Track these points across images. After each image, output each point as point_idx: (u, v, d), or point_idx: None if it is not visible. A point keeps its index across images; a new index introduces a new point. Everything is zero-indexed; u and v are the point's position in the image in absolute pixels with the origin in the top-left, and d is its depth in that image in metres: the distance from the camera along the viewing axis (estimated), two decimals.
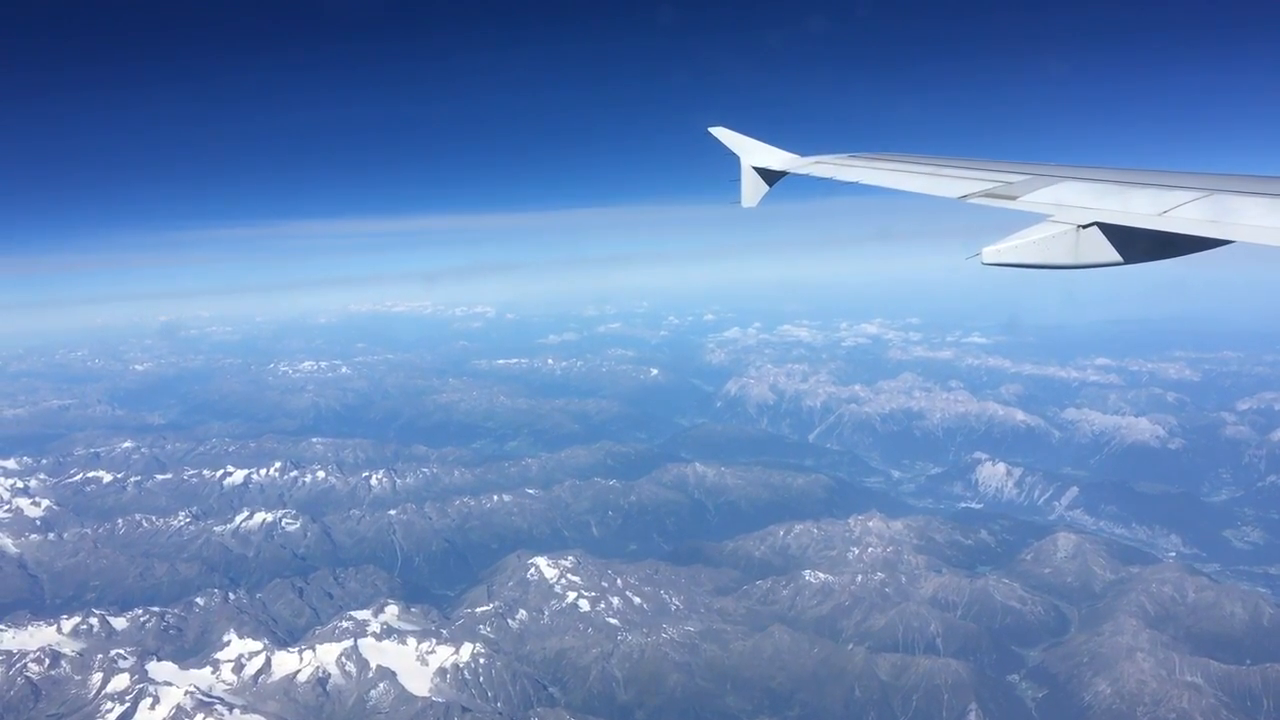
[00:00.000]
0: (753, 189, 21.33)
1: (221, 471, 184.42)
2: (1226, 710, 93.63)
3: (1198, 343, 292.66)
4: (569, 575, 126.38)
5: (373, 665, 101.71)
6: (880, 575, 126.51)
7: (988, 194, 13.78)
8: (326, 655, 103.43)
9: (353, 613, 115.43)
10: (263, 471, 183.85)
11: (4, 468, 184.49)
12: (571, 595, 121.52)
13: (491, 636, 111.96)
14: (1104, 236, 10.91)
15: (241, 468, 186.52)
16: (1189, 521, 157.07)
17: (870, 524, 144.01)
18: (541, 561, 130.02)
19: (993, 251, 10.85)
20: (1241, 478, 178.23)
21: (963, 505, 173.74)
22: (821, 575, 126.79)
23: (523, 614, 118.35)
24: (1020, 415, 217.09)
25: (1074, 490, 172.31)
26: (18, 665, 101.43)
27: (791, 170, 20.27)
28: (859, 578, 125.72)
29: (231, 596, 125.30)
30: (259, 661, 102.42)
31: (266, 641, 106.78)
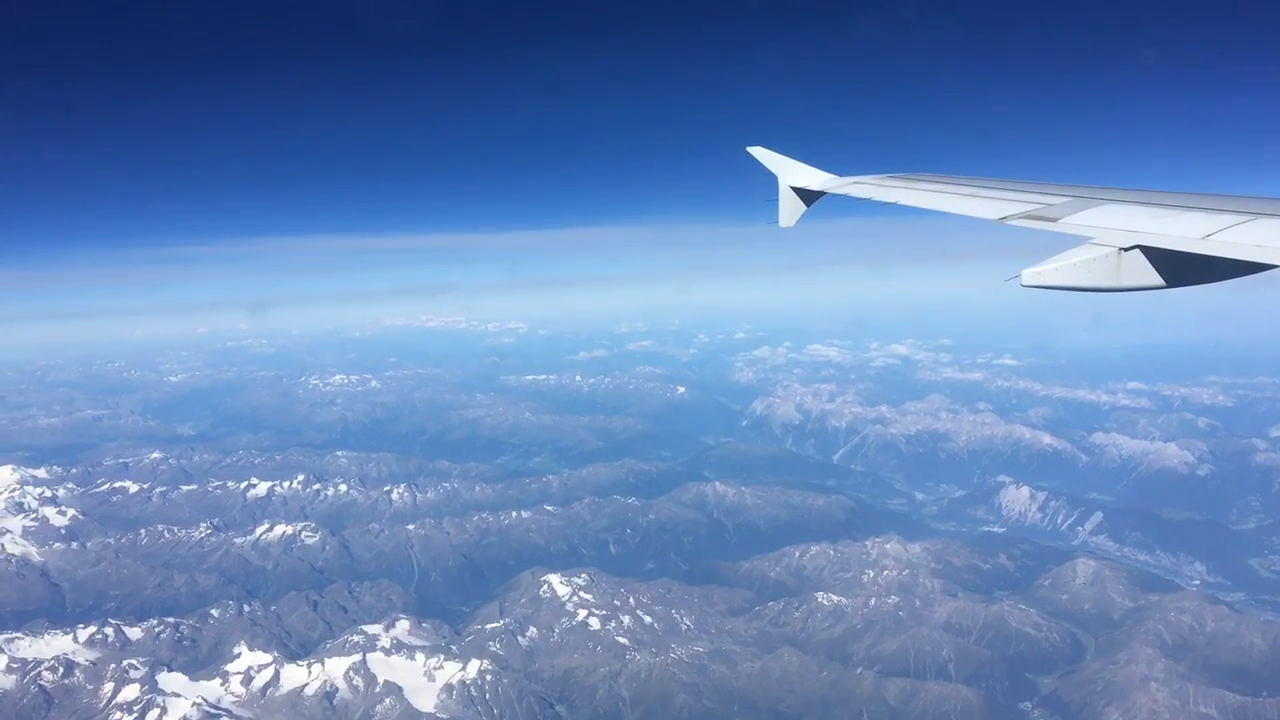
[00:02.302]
0: (790, 209, 21.49)
1: (246, 483, 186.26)
2: None
3: (1233, 368, 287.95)
4: (581, 593, 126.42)
5: (380, 680, 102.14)
6: (894, 599, 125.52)
7: (1028, 216, 13.79)
8: (335, 669, 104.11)
9: (364, 627, 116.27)
10: (286, 484, 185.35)
11: (34, 477, 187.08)
12: (582, 613, 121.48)
13: (500, 653, 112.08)
14: (1146, 259, 10.86)
15: (265, 480, 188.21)
16: (1215, 549, 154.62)
17: (887, 546, 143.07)
18: (554, 579, 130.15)
19: (1033, 274, 10.85)
20: (1271, 506, 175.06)
21: (985, 529, 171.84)
22: (834, 598, 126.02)
23: (533, 631, 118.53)
24: (1047, 439, 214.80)
25: (1098, 516, 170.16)
26: (32, 673, 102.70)
27: (829, 190, 20.42)
28: (872, 601, 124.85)
29: (246, 608, 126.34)
30: (268, 674, 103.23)
31: (277, 654, 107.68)
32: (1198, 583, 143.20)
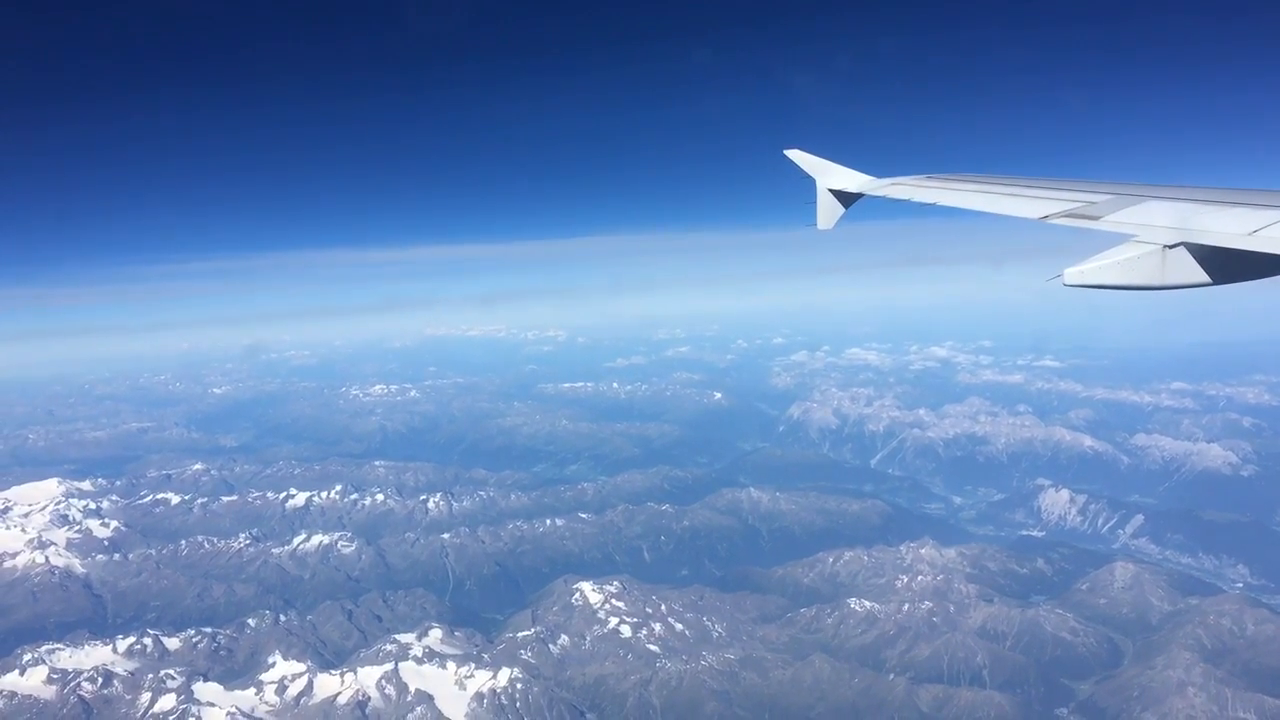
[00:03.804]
0: (829, 211, 21.55)
1: (285, 494, 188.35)
2: None
3: (1279, 366, 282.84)
4: (613, 600, 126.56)
5: (412, 689, 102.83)
6: (928, 604, 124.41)
7: (1069, 214, 13.75)
8: (367, 678, 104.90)
9: (397, 636, 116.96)
10: (324, 494, 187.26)
11: (79, 489, 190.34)
12: (614, 621, 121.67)
13: (532, 661, 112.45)
14: (1191, 257, 10.81)
15: (304, 490, 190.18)
16: (1258, 551, 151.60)
17: (922, 551, 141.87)
18: (586, 587, 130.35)
19: (1075, 273, 10.84)
20: None
21: (1023, 533, 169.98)
22: (867, 604, 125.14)
23: (564, 639, 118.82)
24: (1088, 441, 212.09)
25: (1139, 518, 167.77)
26: (72, 684, 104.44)
27: (868, 192, 20.43)
28: (905, 606, 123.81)
29: (282, 618, 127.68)
30: (301, 683, 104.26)
31: (310, 663, 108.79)
32: (1240, 585, 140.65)
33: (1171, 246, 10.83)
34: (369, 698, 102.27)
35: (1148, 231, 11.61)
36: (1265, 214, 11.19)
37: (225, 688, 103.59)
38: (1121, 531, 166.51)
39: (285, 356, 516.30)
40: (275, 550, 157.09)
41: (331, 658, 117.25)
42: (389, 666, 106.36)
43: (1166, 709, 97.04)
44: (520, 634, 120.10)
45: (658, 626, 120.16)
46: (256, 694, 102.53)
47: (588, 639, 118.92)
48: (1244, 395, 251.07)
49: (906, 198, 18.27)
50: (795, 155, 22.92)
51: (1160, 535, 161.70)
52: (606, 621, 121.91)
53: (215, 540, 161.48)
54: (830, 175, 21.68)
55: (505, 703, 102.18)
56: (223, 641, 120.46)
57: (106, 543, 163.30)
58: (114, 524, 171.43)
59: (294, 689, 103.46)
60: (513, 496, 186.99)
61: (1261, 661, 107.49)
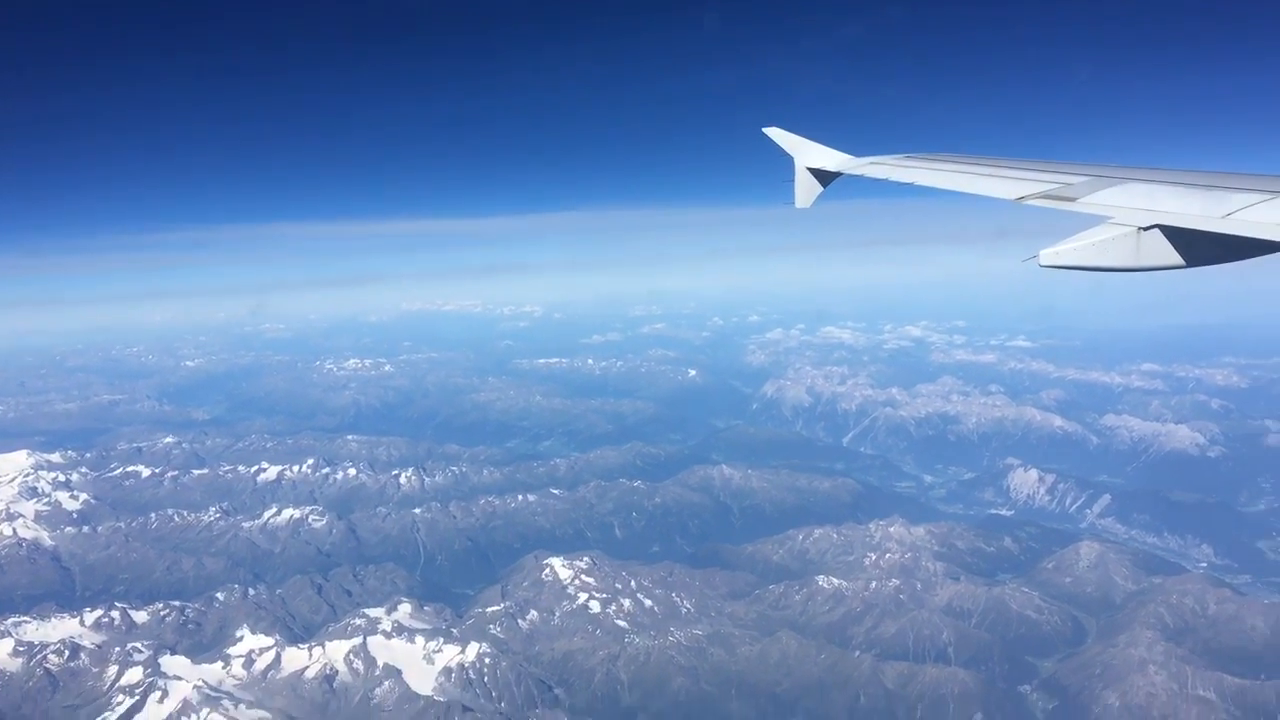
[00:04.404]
0: (807, 189, 21.50)
1: (256, 468, 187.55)
2: None
3: (1250, 349, 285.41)
4: (583, 576, 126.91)
5: (380, 663, 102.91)
6: (895, 582, 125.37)
7: (1046, 195, 13.71)
8: (336, 652, 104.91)
9: (366, 610, 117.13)
10: (296, 468, 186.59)
11: (49, 461, 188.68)
12: (583, 597, 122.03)
13: (501, 636, 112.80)
14: (1165, 239, 10.83)
15: (276, 464, 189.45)
16: (1223, 532, 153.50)
17: (891, 529, 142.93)
18: (557, 562, 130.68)
19: (1051, 254, 10.82)
20: None
21: (992, 511, 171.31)
22: (835, 581, 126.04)
23: (534, 614, 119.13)
24: (1058, 421, 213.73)
25: (1106, 498, 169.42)
26: (38, 657, 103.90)
27: (846, 171, 20.38)
28: (873, 584, 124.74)
29: (251, 592, 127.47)
30: (269, 657, 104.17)
31: (279, 637, 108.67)
32: (1204, 565, 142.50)
33: (1146, 229, 10.88)
34: (337, 671, 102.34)
35: (1123, 213, 11.63)
36: (1239, 197, 11.18)
37: (192, 661, 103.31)
38: (1089, 511, 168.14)
39: (260, 329, 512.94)
40: (245, 524, 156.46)
41: (300, 632, 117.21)
42: (357, 641, 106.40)
43: (1128, 686, 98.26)
44: (490, 609, 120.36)
45: (627, 602, 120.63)
46: (224, 667, 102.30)
47: (557, 614, 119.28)
48: (1213, 377, 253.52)
49: (884, 177, 18.33)
50: (774, 133, 22.88)
51: (1127, 515, 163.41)
52: (576, 597, 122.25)
53: (185, 513, 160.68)
54: (809, 153, 21.65)
55: (473, 677, 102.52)
56: (191, 615, 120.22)
57: (75, 515, 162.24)
58: (83, 496, 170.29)
59: (261, 663, 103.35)
60: (485, 472, 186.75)
61: (1222, 640, 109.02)
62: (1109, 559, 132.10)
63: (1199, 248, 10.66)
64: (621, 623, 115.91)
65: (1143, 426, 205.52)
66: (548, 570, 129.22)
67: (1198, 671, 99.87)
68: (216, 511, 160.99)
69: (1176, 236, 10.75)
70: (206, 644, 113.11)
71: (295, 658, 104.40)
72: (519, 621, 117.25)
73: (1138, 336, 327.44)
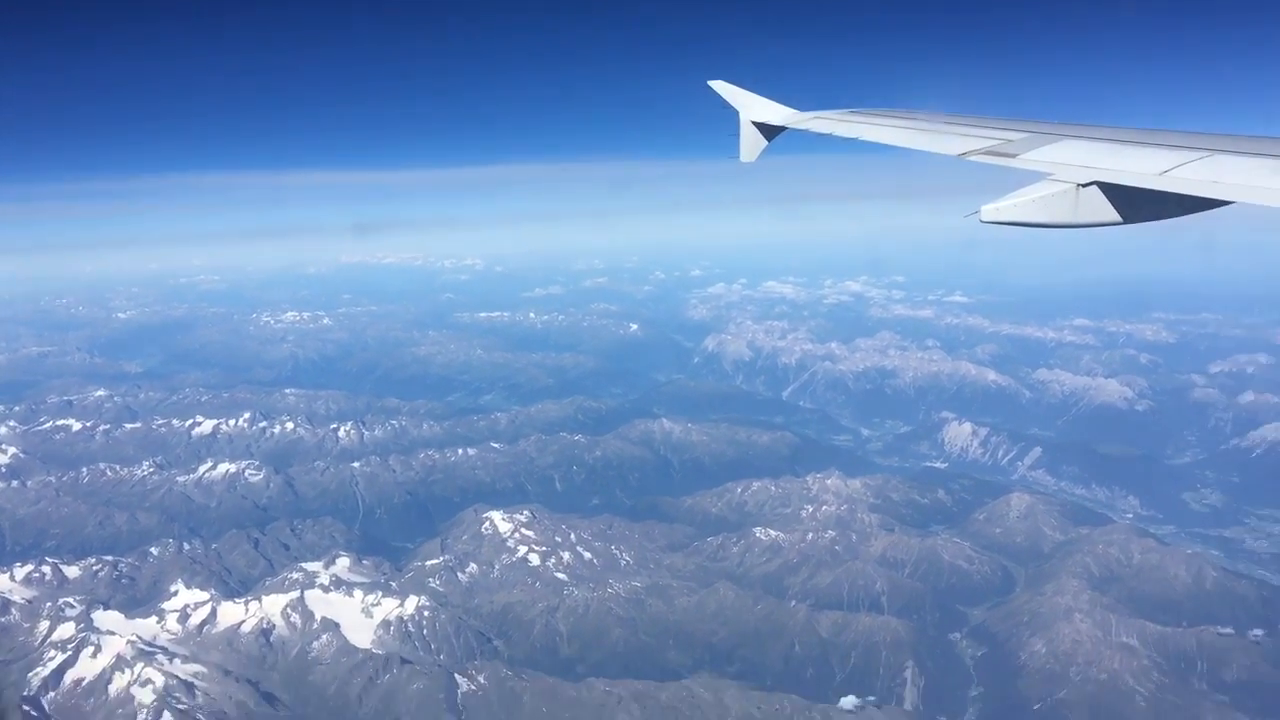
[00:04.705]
0: (751, 143, 21.45)
1: (191, 421, 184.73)
2: (1158, 672, 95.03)
3: (1179, 305, 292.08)
4: (523, 530, 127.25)
5: (318, 617, 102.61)
6: (831, 533, 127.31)
7: (987, 152, 13.87)
8: (272, 606, 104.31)
9: (303, 564, 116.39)
10: (232, 422, 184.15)
11: None
12: (523, 550, 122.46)
13: (440, 589, 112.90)
14: (1103, 196, 11.01)
15: (211, 418, 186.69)
16: (1149, 483, 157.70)
17: (828, 482, 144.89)
18: (496, 516, 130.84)
19: (991, 210, 11.00)
20: (1206, 441, 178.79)
21: (927, 464, 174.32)
22: (772, 533, 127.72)
23: (473, 567, 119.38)
24: (992, 375, 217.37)
25: (1037, 451, 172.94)
26: None
27: (790, 125, 20.36)
28: (809, 535, 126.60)
29: (186, 547, 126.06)
30: (204, 611, 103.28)
31: (214, 592, 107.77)
32: (1130, 516, 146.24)
33: (1085, 185, 11.09)
34: (274, 626, 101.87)
35: (1063, 170, 11.84)
36: (1176, 154, 11.44)
37: (126, 616, 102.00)
38: (1020, 463, 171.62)
39: (194, 281, 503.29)
40: (180, 478, 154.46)
41: (236, 586, 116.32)
42: (295, 595, 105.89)
43: (1054, 634, 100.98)
44: (429, 562, 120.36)
45: (566, 555, 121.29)
46: (158, 622, 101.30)
47: (496, 567, 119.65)
48: (1143, 332, 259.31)
49: (828, 132, 18.41)
50: (719, 86, 22.78)
51: (1056, 467, 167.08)
52: (515, 550, 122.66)
53: (118, 468, 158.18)
54: (753, 107, 21.62)
55: (412, 630, 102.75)
56: (124, 570, 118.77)
57: (4, 469, 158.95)
58: (12, 450, 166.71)
59: (197, 617, 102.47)
60: (425, 425, 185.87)
61: (1145, 589, 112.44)
62: (1038, 510, 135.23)
63: (1136, 205, 10.94)
64: (561, 575, 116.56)
65: (1074, 381, 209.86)
66: (487, 524, 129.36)
67: (1121, 619, 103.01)
68: (150, 466, 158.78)
69: (1114, 193, 11.01)
70: (140, 599, 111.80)
71: (231, 612, 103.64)
72: (458, 574, 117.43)
73: (1069, 292, 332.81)
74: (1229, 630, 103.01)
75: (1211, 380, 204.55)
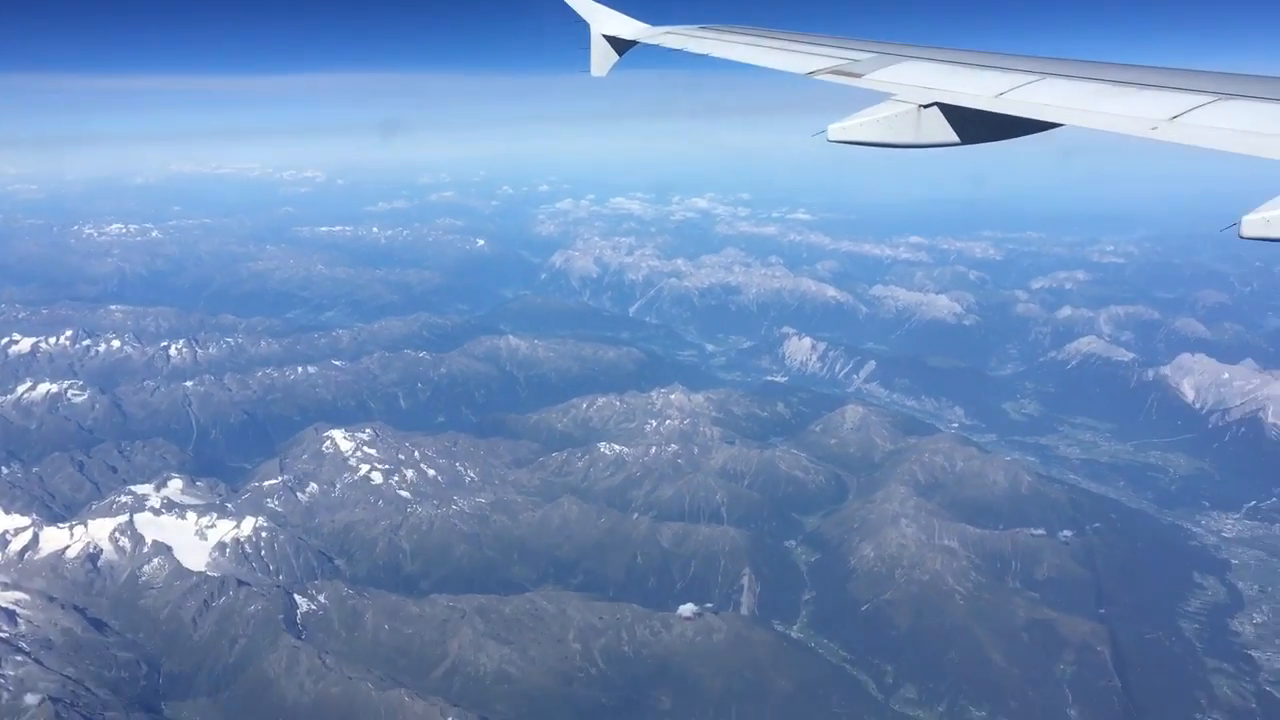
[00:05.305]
0: (602, 57, 21.06)
1: (7, 339, 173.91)
2: (976, 572, 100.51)
3: (1006, 223, 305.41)
4: (365, 448, 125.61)
5: (148, 541, 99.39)
6: (674, 447, 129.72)
7: (834, 71, 13.76)
8: (99, 531, 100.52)
9: (133, 487, 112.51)
10: (52, 340, 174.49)
11: None
12: (365, 468, 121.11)
13: (279, 510, 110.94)
14: (943, 117, 11.09)
15: (30, 335, 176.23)
16: (973, 394, 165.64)
17: (672, 397, 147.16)
18: (338, 434, 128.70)
19: (838, 129, 11.03)
20: (1026, 353, 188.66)
21: (768, 378, 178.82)
22: (617, 447, 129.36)
23: (313, 487, 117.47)
24: (831, 291, 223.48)
25: (872, 364, 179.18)
26: None
27: (642, 40, 19.97)
28: (653, 450, 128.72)
29: (4, 470, 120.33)
30: (26, 537, 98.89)
31: (35, 517, 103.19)
32: (955, 426, 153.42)
33: (926, 106, 11.28)
34: (101, 550, 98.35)
35: (905, 91, 12.00)
36: (1012, 77, 11.66)
37: None
38: (856, 376, 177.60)
39: (8, 190, 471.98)
40: None
41: (61, 511, 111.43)
42: (124, 518, 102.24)
43: (882, 539, 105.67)
44: (267, 483, 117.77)
45: (410, 473, 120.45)
46: None
47: (338, 486, 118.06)
48: (972, 250, 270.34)
49: (679, 47, 18.32)
50: None
51: (889, 380, 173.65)
52: (358, 469, 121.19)
53: None
54: (605, 20, 21.27)
55: (249, 551, 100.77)
56: None
57: None
58: None
59: (17, 543, 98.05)
60: (263, 343, 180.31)
61: (966, 495, 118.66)
62: (871, 421, 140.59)
63: (974, 126, 11.26)
64: (404, 493, 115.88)
65: (907, 296, 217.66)
66: (328, 443, 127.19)
67: (943, 523, 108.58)
68: None
69: (953, 115, 11.28)
70: None
71: (55, 537, 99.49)
72: (298, 494, 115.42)
73: (906, 210, 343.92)
74: (1041, 532, 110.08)
75: (1033, 296, 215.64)
